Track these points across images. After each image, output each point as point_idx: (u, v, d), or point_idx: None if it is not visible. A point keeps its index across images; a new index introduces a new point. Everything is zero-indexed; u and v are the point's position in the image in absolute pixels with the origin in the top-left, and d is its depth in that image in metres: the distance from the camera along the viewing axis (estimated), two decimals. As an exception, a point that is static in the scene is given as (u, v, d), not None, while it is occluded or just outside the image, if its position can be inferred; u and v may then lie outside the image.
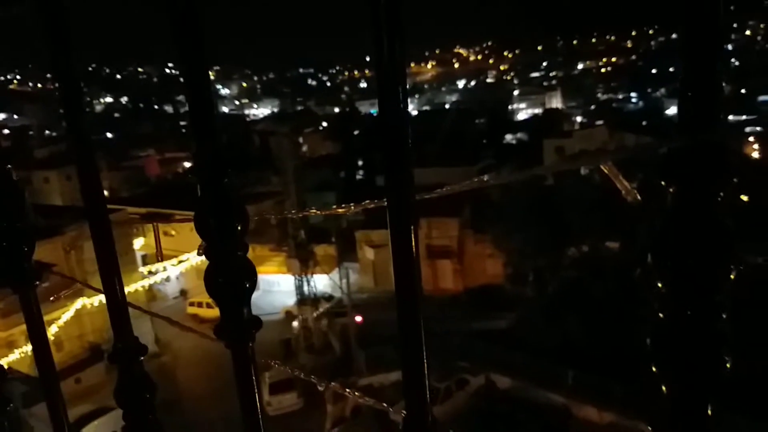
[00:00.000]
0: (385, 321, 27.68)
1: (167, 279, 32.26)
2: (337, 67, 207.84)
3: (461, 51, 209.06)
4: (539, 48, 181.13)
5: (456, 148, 52.79)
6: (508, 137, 68.75)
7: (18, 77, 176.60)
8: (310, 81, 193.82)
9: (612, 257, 30.74)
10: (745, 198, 39.48)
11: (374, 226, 34.32)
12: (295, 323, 29.81)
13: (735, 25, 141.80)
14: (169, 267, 27.37)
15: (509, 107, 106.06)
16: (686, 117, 0.67)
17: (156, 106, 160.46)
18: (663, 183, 0.69)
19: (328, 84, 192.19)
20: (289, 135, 49.77)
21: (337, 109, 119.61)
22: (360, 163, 57.78)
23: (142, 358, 1.08)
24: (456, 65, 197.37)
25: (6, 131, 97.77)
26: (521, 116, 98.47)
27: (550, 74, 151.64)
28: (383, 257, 34.15)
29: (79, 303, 21.52)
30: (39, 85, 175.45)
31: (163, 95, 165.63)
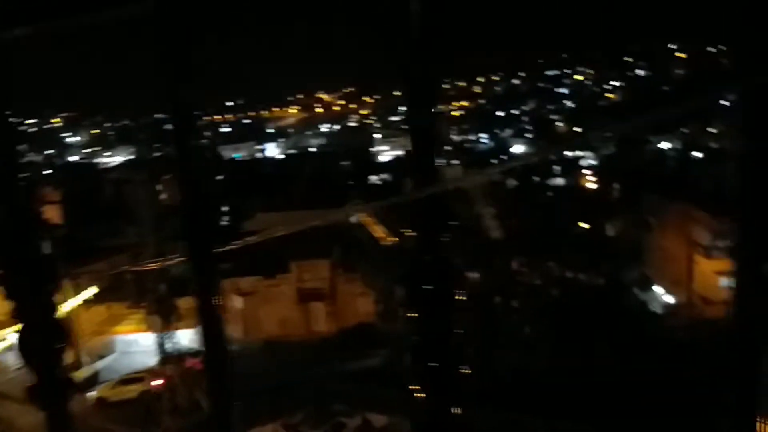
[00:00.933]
0: (257, 371, 26.80)
1: (9, 348, 28.87)
2: (197, 112, 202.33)
3: (323, 96, 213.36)
4: (396, 93, 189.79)
5: (322, 190, 53.25)
6: (373, 178, 70.74)
7: None
8: (167, 126, 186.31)
9: (475, 287, 32.38)
10: (585, 225, 43.74)
11: (242, 273, 33.37)
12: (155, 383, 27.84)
13: (568, 71, 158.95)
14: (9, 334, 24.50)
15: (372, 149, 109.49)
16: (417, 174, 0.79)
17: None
18: (407, 230, 0.81)
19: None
20: (145, 182, 47.20)
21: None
22: (224, 209, 56.19)
23: None
24: (319, 110, 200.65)
25: None
26: (384, 158, 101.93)
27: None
28: (253, 305, 33.19)
29: None
30: None
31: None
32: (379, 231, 33.34)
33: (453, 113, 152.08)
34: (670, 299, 33.33)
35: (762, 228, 3.22)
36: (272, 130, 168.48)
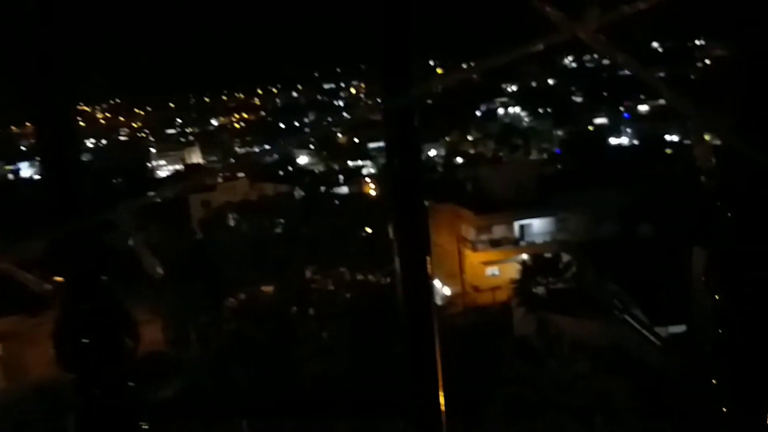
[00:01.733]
0: (27, 422, 23.38)
1: None
2: None
3: (86, 108, 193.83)
4: (171, 105, 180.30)
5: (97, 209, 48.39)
6: (151, 195, 66.25)
7: None
8: None
9: (268, 301, 32.26)
10: (369, 230, 46.21)
11: (-2, 313, 28.92)
12: None
13: (339, 86, 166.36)
14: None
15: (148, 165, 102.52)
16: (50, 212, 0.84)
17: None
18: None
19: None
20: None
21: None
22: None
23: None
24: (82, 123, 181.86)
25: None
26: (162, 173, 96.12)
27: (186, 130, 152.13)
28: (16, 348, 28.84)
29: None
30: None
31: None
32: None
33: (236, 125, 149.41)
34: (446, 291, 36.91)
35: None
36: (25, 147, 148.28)
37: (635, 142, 78.94)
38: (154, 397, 25.18)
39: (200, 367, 26.84)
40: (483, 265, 38.72)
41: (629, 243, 32.98)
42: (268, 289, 33.69)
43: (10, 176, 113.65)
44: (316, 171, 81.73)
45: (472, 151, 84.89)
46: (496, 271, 37.79)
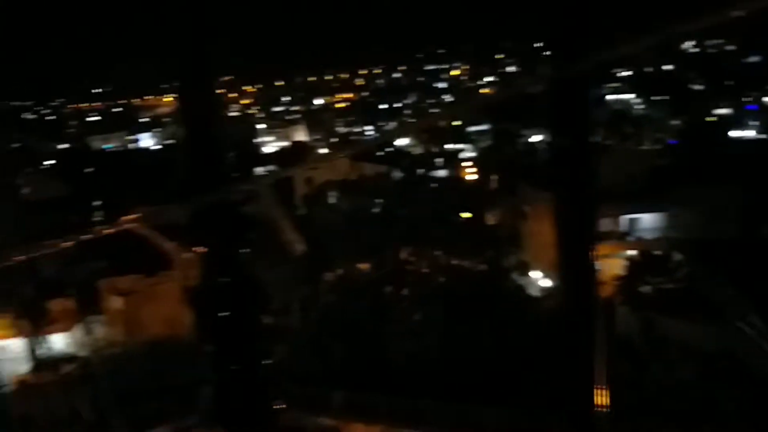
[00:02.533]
0: (143, 374, 25.45)
1: None
2: (60, 100, 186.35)
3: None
4: (279, 83, 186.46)
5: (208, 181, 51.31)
6: (259, 169, 69.23)
7: None
8: (27, 114, 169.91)
9: (365, 278, 32.90)
10: (466, 215, 45.80)
11: (120, 272, 31.51)
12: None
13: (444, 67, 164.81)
14: None
15: (256, 140, 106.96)
16: (194, 181, 0.83)
17: None
18: (195, 247, 0.81)
19: (50, 118, 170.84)
20: (2, 177, 43.11)
21: (63, 146, 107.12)
22: (97, 203, 52.47)
23: None
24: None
25: None
26: (269, 149, 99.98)
27: (292, 108, 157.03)
28: (134, 305, 31.39)
29: None
30: None
31: None
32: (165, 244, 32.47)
33: (337, 105, 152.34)
34: (546, 282, 35.88)
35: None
36: (147, 120, 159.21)
37: (762, 136, 72.59)
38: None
39: (299, 338, 27.96)
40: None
41: (749, 245, 30.56)
42: (364, 266, 34.37)
43: (131, 146, 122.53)
44: (414, 153, 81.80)
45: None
46: (600, 265, 36.16)
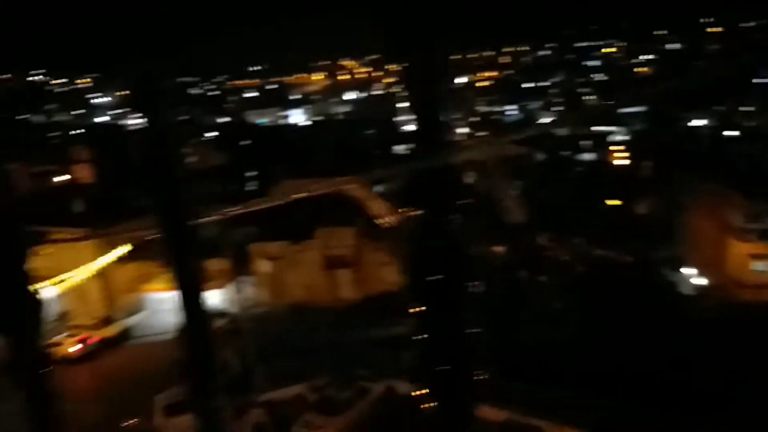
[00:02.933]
0: (282, 334, 27.24)
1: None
2: (223, 76, 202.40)
3: (348, 63, 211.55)
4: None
5: (347, 158, 53.12)
6: (398, 148, 70.35)
7: None
8: (193, 89, 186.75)
9: (499, 260, 32.31)
10: (613, 202, 43.17)
11: (270, 238, 33.68)
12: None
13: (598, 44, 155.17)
14: (45, 289, 25.08)
15: (396, 119, 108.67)
16: (418, 145, 0.74)
17: (23, 116, 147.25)
18: (406, 208, 0.77)
19: (212, 93, 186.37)
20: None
21: (222, 119, 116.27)
22: (251, 174, 56.49)
23: None
24: (344, 77, 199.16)
25: None
26: (409, 128, 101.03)
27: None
28: (280, 269, 33.56)
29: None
30: None
31: (31, 105, 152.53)
32: (378, 207, 33.13)
33: (480, 83, 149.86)
34: (700, 281, 32.92)
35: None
36: (297, 97, 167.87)
37: None
38: (387, 333, 27.30)
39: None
40: (749, 258, 33.55)
41: None
42: (499, 249, 33.75)
43: (282, 121, 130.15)
44: (560, 134, 78.32)
45: (746, 125, 73.14)
46: (764, 266, 32.49)
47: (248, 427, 21.80)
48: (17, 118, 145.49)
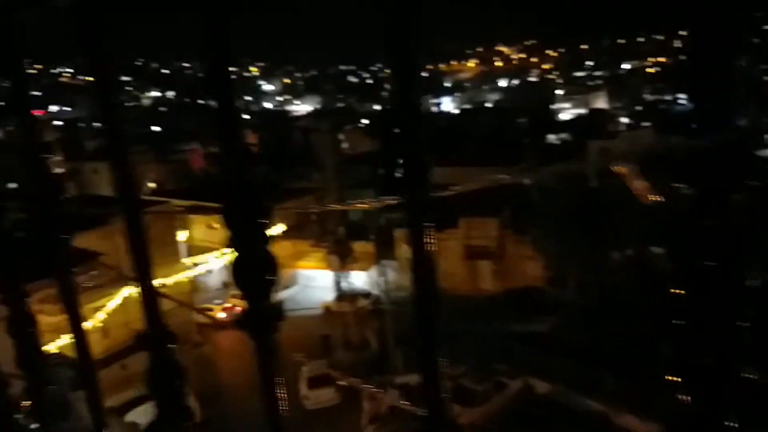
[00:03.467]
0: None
1: (209, 271, 32.88)
2: (379, 65, 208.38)
3: (503, 49, 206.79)
4: (584, 47, 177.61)
5: (497, 147, 52.17)
6: (551, 137, 67.65)
7: (70, 70, 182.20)
8: (351, 78, 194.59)
9: (657, 263, 29.89)
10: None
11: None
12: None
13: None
14: (212, 259, 27.84)
15: (552, 107, 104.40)
16: (702, 119, 0.71)
17: (201, 101, 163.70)
18: (680, 185, 0.64)
19: (369, 81, 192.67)
20: (330, 132, 50.02)
21: (377, 107, 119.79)
22: (401, 161, 57.63)
23: (171, 345, 1.10)
24: (498, 63, 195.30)
25: (57, 123, 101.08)
26: (564, 116, 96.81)
27: (595, 74, 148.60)
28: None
29: (125, 292, 22.12)
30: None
31: (208, 90, 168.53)
32: (639, 185, 31.37)
33: (648, 70, 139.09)
34: None
35: None
36: (449, 84, 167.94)
37: None
38: (527, 329, 26.60)
39: (574, 312, 27.00)
40: None
41: None
42: (658, 250, 31.23)
43: (434, 109, 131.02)
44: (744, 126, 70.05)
45: None
46: None
47: (383, 407, 22.47)
48: (198, 102, 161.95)
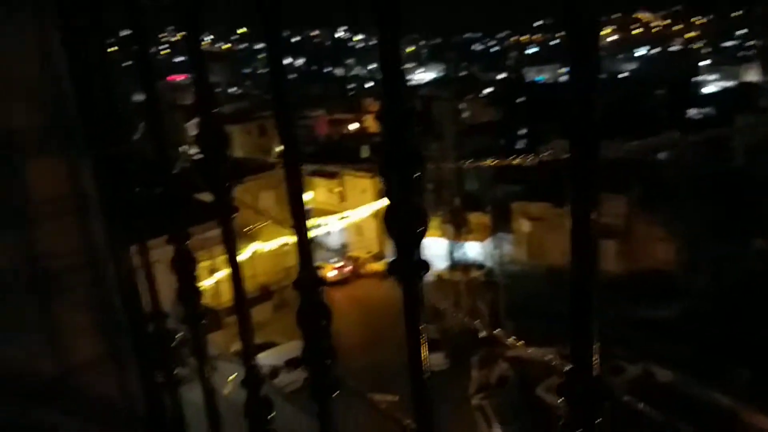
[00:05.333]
0: (535, 295, 26.98)
1: (329, 233, 34.21)
2: (505, 32, 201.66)
3: (644, 15, 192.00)
4: (735, 14, 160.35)
5: (632, 119, 48.92)
6: (692, 111, 62.32)
7: (209, 37, 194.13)
8: (475, 46, 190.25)
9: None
10: None
11: (532, 197, 33.23)
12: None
13: None
14: (332, 222, 28.88)
15: (694, 79, 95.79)
16: None
17: (327, 69, 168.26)
18: None
19: (494, 49, 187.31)
20: (450, 100, 49.58)
21: (501, 75, 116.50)
22: (522, 132, 55.97)
23: (321, 288, 1.19)
24: (637, 31, 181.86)
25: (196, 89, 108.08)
26: (708, 89, 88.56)
27: (747, 44, 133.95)
28: (540, 230, 33.03)
29: (253, 247, 23.62)
30: (227, 46, 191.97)
31: (334, 58, 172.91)
32: None
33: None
34: None
35: None
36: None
37: None
38: (652, 314, 25.16)
39: (706, 300, 25.08)
40: None
41: None
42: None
43: (562, 79, 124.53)
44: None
45: None
46: None
47: (493, 377, 22.43)
48: (324, 71, 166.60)
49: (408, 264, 0.94)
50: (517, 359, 22.38)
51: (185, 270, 1.56)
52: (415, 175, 0.91)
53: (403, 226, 0.93)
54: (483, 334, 24.06)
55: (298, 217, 1.16)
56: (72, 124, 1.77)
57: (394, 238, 0.93)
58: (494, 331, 26.01)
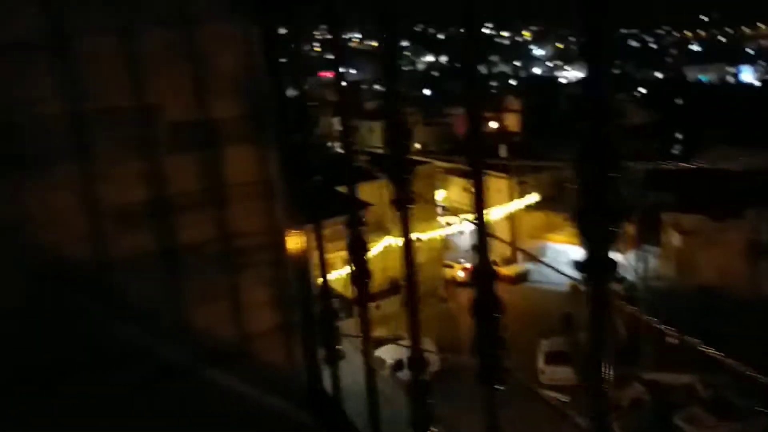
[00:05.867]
0: (680, 316, 24.82)
1: (461, 232, 34.05)
2: (666, 28, 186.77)
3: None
4: None
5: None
6: None
7: (358, 36, 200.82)
8: (632, 42, 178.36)
9: None
10: None
11: (686, 209, 30.61)
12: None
13: None
14: (466, 221, 28.61)
15: None
16: None
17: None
18: None
19: (652, 46, 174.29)
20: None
21: (658, 74, 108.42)
22: (679, 136, 51.73)
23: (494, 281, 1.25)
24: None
25: (343, 84, 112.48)
26: None
27: None
28: (692, 245, 30.34)
29: (385, 241, 24.14)
30: (375, 44, 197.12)
31: (478, 56, 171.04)
32: None
33: None
34: None
35: None
36: (751, 51, 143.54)
37: None
38: None
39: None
40: None
41: None
42: None
43: (729, 79, 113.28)
44: None
45: None
46: None
47: (626, 399, 21.14)
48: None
49: (598, 264, 0.93)
50: (654, 382, 20.82)
51: (358, 254, 1.70)
52: (611, 175, 0.90)
53: (596, 225, 0.92)
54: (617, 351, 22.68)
55: (479, 213, 1.23)
56: (264, 115, 1.98)
57: (587, 236, 0.93)
58: (631, 350, 24.41)
